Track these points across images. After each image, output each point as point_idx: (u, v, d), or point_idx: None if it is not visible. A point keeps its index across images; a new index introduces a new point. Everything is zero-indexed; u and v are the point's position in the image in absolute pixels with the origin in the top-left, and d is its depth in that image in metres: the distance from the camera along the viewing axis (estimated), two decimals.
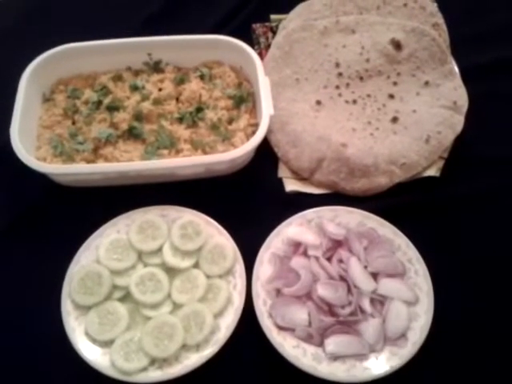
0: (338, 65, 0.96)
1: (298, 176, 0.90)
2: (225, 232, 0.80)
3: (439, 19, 1.00)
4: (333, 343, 0.71)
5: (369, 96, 0.94)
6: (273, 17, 1.07)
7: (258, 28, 1.05)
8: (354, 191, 0.87)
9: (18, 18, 1.10)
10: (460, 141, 0.90)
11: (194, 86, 0.92)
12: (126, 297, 0.76)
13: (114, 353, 0.70)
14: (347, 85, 0.95)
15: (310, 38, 0.98)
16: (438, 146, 0.88)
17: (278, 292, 0.76)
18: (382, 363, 0.70)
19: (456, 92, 0.93)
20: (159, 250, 0.78)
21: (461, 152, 0.90)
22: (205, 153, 0.86)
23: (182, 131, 0.88)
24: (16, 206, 0.86)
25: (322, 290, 0.74)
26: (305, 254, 0.79)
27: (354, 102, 0.93)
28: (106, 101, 0.89)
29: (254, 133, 0.83)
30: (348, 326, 0.73)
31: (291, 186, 0.89)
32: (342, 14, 1.01)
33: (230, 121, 0.90)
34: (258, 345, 0.73)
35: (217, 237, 0.79)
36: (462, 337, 0.76)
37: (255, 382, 0.73)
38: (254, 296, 0.74)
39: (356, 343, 0.72)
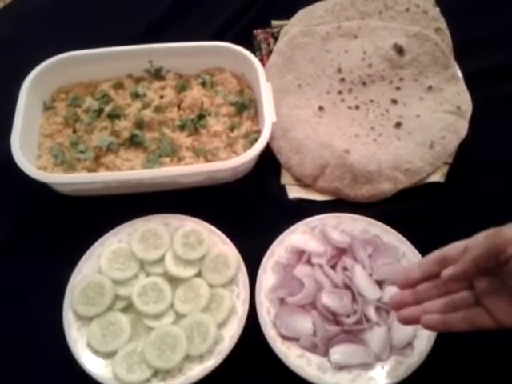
0: (340, 70, 0.95)
1: (301, 183, 0.89)
2: (227, 240, 0.79)
3: (442, 24, 0.99)
4: (338, 352, 0.70)
5: (372, 101, 0.93)
6: (274, 23, 1.06)
7: (260, 34, 1.04)
8: (357, 198, 0.87)
9: (17, 26, 1.09)
10: (464, 146, 0.89)
11: (195, 93, 0.92)
12: (129, 307, 0.75)
13: (116, 364, 0.69)
14: (350, 90, 0.94)
15: (312, 44, 0.97)
16: (442, 152, 0.87)
17: (282, 301, 0.75)
18: (388, 372, 0.69)
19: (459, 97, 0.92)
20: (161, 259, 0.77)
21: (465, 157, 0.89)
22: (207, 160, 0.85)
23: (184, 139, 0.87)
24: (17, 216, 0.85)
25: (327, 299, 0.73)
26: (309, 262, 0.78)
27: (357, 107, 0.93)
28: (107, 109, 0.89)
29: (256, 139, 0.83)
30: (353, 334, 0.72)
31: (294, 192, 0.88)
32: (344, 20, 1.00)
33: (232, 128, 0.89)
34: (262, 355, 0.72)
35: (219, 245, 0.79)
36: (469, 344, 0.74)
37: None
38: (258, 305, 0.73)
39: (361, 352, 0.71)
